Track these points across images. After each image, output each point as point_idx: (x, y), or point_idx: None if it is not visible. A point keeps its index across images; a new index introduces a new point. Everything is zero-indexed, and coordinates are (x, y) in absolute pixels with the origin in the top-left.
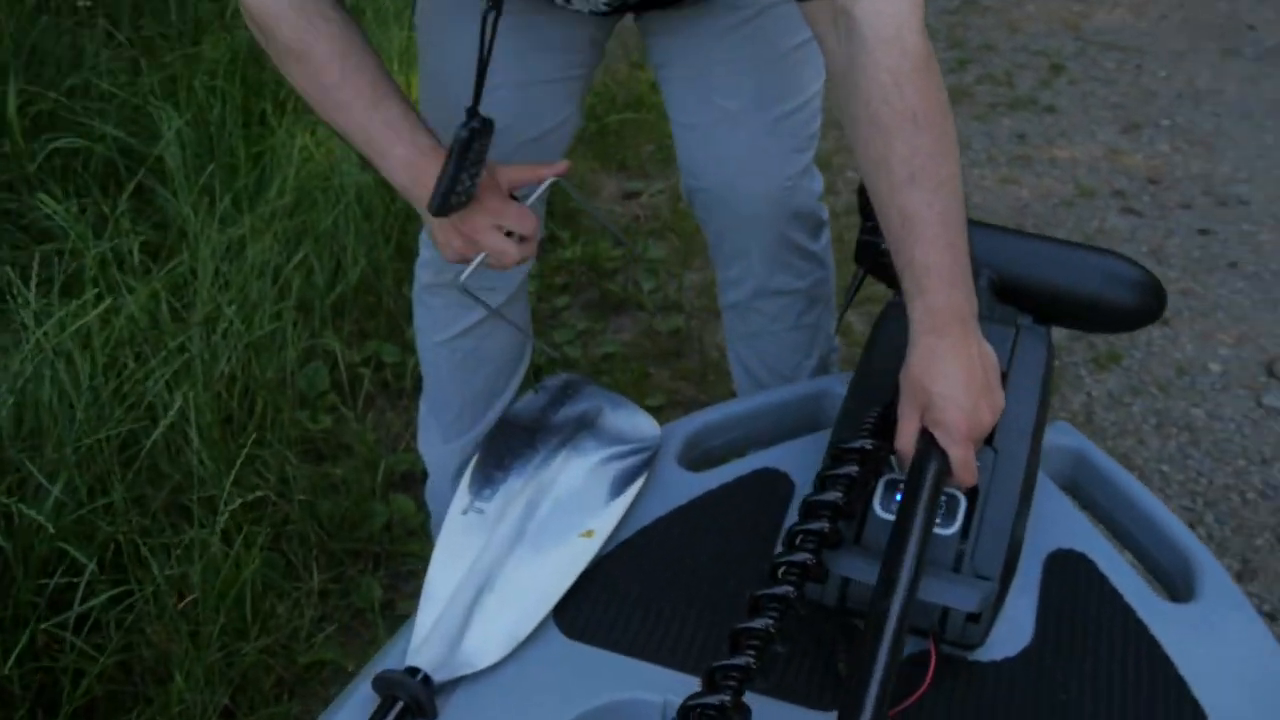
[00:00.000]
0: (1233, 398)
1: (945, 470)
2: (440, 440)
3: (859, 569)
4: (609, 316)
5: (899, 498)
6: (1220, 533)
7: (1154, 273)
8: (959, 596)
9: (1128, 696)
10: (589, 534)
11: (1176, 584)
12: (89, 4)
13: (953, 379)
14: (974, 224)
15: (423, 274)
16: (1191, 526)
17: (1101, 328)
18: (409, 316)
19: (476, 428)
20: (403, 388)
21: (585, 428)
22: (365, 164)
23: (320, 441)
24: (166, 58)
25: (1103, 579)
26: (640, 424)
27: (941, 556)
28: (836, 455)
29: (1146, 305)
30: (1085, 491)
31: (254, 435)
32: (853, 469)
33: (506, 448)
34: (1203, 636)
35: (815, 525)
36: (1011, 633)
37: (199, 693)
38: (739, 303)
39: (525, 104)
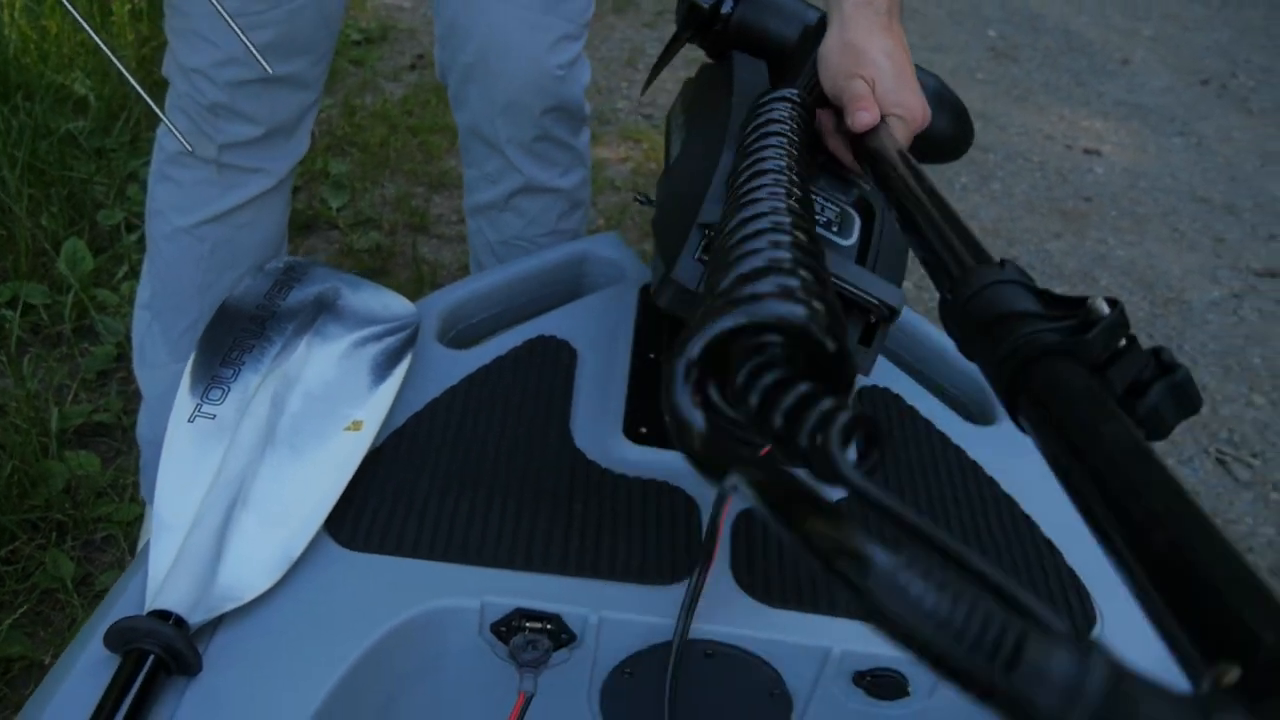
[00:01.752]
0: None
1: None
2: (167, 358)
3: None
4: (298, 238)
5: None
6: None
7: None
8: (881, 288)
9: (964, 522)
10: (356, 425)
11: (975, 409)
12: None
13: (901, 59)
14: None
15: (169, 142)
16: None
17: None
18: (50, 250)
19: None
20: (60, 331)
21: (326, 310)
22: None
23: None
24: None
25: (912, 410)
26: (390, 302)
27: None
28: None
29: (965, 133)
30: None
31: None
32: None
33: (231, 340)
34: (1015, 453)
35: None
36: None
37: None
38: (495, 202)
39: None
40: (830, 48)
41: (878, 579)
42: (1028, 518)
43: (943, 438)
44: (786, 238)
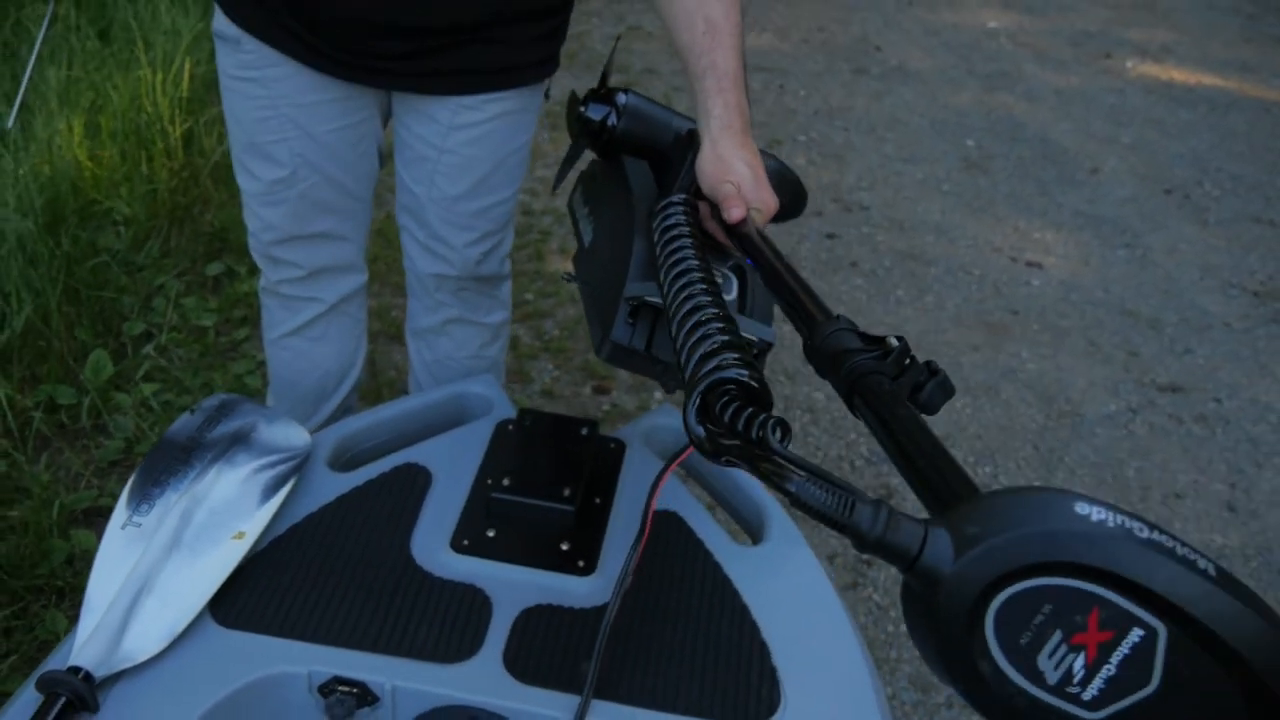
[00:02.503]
0: None
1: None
2: None
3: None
4: None
5: None
6: None
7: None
8: (759, 329)
9: (699, 628)
10: (240, 535)
11: (753, 530)
12: None
13: (757, 167)
14: None
15: (260, 279)
16: None
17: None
18: (81, 357)
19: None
20: (80, 427)
21: (239, 442)
22: (26, 210)
23: None
24: None
25: (690, 532)
26: (291, 434)
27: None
28: (664, 205)
29: (797, 203)
30: (684, 462)
31: None
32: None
33: (163, 466)
34: (767, 571)
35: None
36: (613, 586)
37: None
38: (431, 327)
39: (313, 150)
40: (704, 160)
41: (797, 486)
42: (754, 624)
43: (708, 555)
44: (719, 325)
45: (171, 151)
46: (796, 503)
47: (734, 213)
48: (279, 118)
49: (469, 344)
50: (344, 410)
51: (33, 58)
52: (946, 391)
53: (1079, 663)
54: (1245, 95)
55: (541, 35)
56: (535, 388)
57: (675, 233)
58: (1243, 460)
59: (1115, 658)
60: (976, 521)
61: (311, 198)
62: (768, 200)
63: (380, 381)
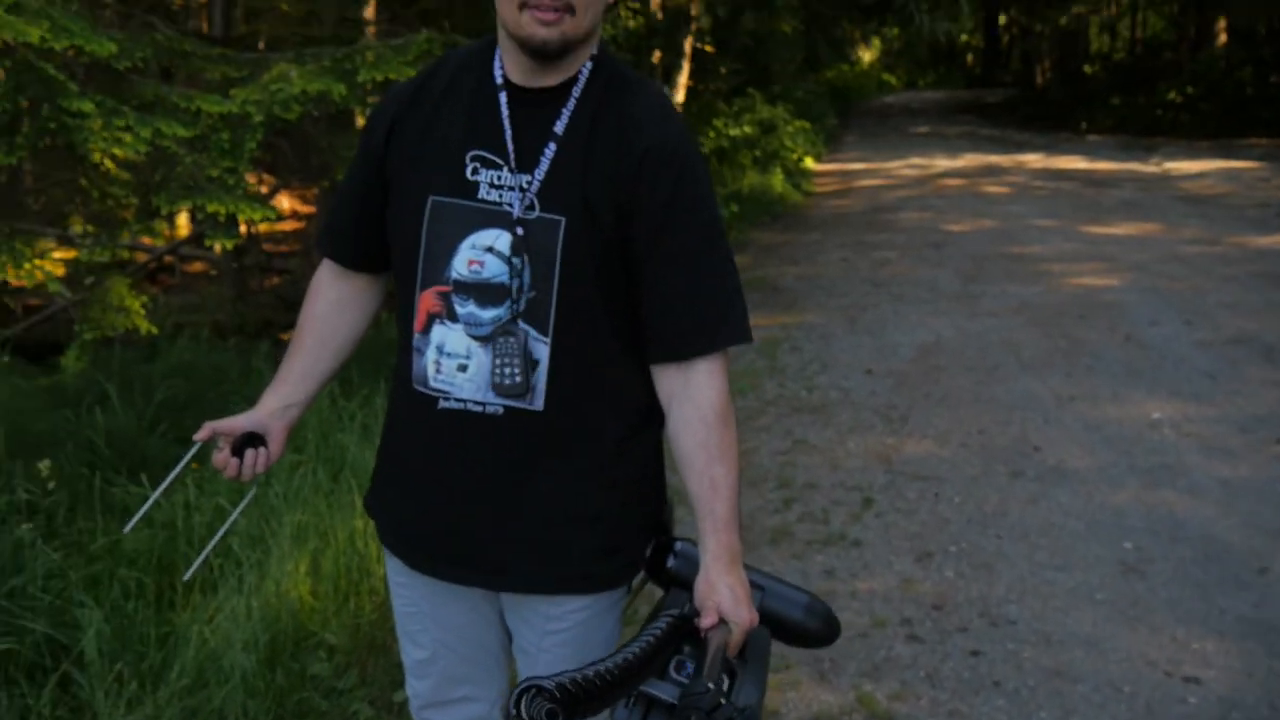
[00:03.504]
0: None
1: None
2: None
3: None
4: None
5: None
6: None
7: (833, 614)
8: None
9: None
10: None
11: None
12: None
13: (738, 591)
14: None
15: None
16: None
17: (799, 643)
18: None
19: None
20: None
21: None
22: (246, 646)
23: None
24: (93, 547)
25: None
26: None
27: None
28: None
29: (829, 630)
30: None
31: None
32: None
33: None
34: None
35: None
36: None
37: None
38: None
39: (448, 637)
40: (699, 582)
41: None
42: None
43: None
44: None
45: (375, 589)
46: None
47: (704, 621)
48: (419, 613)
49: None
50: None
51: (223, 529)
52: None
53: None
54: None
55: (604, 548)
56: None
57: (649, 630)
58: None
59: None
60: None
61: (449, 673)
62: (743, 617)
63: None
